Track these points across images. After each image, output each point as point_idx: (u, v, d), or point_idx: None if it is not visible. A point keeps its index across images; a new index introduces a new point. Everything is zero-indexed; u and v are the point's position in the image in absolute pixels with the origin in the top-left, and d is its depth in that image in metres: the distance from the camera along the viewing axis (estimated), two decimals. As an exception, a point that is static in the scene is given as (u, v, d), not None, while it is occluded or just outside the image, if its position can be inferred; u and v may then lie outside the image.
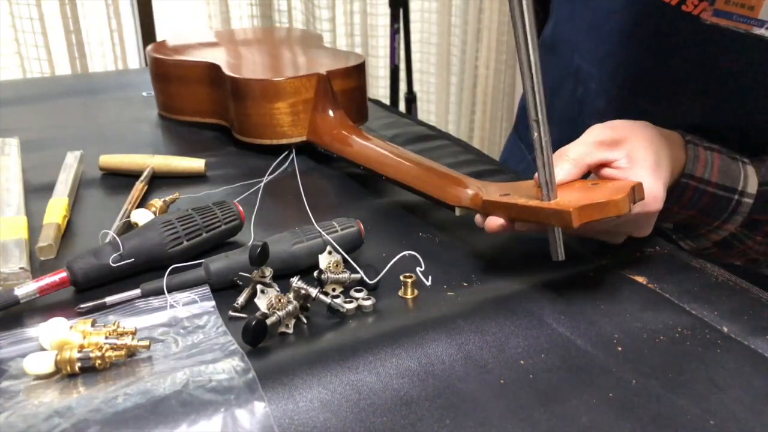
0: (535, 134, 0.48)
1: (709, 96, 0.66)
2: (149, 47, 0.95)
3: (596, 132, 0.55)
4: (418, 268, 0.51)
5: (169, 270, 0.51)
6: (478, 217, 0.56)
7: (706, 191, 0.61)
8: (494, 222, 0.53)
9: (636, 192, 0.49)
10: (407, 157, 0.69)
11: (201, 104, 0.89)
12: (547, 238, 0.50)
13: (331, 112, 0.80)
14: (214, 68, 0.85)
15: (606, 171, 0.54)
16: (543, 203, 0.49)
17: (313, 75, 0.79)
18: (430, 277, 0.52)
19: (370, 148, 0.73)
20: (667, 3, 0.63)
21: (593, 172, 0.56)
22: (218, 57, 0.89)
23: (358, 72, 0.84)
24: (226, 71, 0.82)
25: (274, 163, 0.76)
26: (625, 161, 0.53)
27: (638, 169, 0.53)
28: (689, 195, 0.62)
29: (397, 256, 0.52)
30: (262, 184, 0.71)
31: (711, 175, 0.61)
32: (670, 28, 0.65)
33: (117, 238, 0.53)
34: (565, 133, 0.77)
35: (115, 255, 0.52)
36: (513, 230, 0.53)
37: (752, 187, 0.62)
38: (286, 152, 0.79)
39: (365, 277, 0.51)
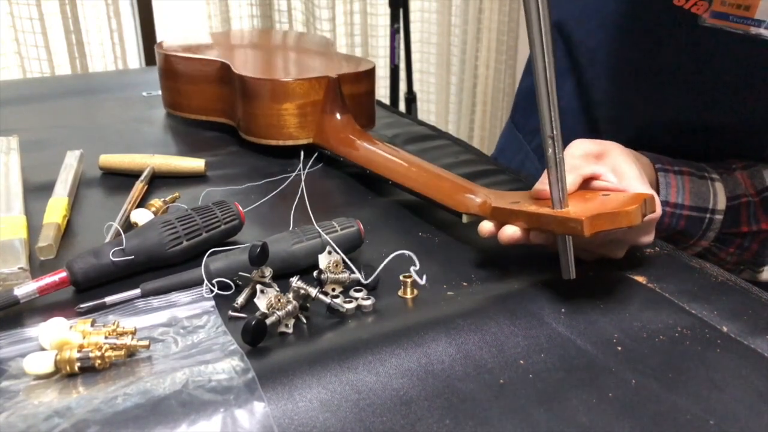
0: (550, 151, 0.48)
1: (700, 93, 0.66)
2: (158, 44, 0.95)
3: (581, 145, 0.55)
4: (412, 267, 0.51)
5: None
6: (483, 226, 0.54)
7: (682, 215, 0.63)
8: (509, 232, 0.51)
9: (647, 204, 0.48)
10: (414, 163, 0.69)
11: (208, 102, 0.89)
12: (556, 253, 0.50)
13: (338, 116, 0.80)
14: (224, 67, 0.85)
15: (596, 183, 0.53)
16: (554, 211, 0.48)
17: (323, 77, 0.79)
18: (424, 276, 0.51)
19: (377, 153, 0.73)
20: None
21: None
22: (228, 56, 0.90)
23: (368, 77, 0.84)
24: (236, 70, 0.82)
25: (297, 168, 0.76)
26: (612, 175, 0.53)
27: (629, 180, 0.53)
28: (667, 221, 0.63)
29: (392, 255, 0.51)
30: (263, 184, 0.71)
31: (684, 198, 0.63)
32: (660, 22, 0.65)
33: (121, 231, 0.53)
34: (569, 124, 0.77)
35: (116, 249, 0.52)
36: (527, 242, 0.51)
37: (721, 203, 0.64)
38: (304, 157, 0.78)
39: (362, 278, 0.51)
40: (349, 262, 0.52)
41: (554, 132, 0.47)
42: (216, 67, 0.86)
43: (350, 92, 0.81)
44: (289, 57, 0.95)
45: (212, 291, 0.50)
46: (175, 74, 0.91)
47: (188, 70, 0.89)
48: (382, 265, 0.50)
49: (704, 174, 0.65)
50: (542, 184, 0.52)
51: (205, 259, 0.52)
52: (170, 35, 1.01)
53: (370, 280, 0.51)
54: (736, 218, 0.64)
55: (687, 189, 0.63)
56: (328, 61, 0.90)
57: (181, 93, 0.92)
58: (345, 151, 0.76)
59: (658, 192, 0.62)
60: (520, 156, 0.91)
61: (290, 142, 0.80)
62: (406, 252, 0.51)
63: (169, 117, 0.96)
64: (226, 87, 0.85)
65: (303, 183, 0.71)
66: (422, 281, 0.50)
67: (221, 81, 0.86)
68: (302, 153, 0.79)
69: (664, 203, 0.62)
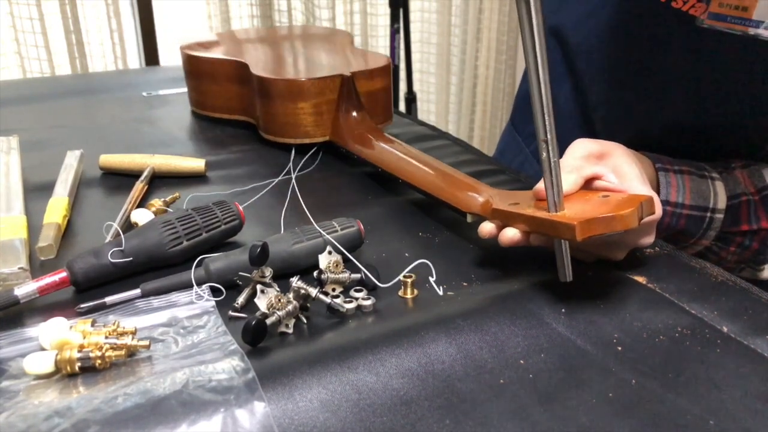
0: (544, 155, 0.48)
1: (698, 94, 0.66)
2: (182, 45, 0.96)
3: (583, 145, 0.55)
4: (430, 278, 0.51)
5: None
6: (483, 227, 0.54)
7: (682, 214, 0.63)
8: (509, 235, 0.51)
9: (645, 206, 0.48)
10: (425, 162, 0.69)
11: (230, 101, 0.90)
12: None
13: (354, 113, 0.81)
14: (243, 66, 0.86)
15: (597, 183, 0.53)
16: (549, 215, 0.49)
17: (337, 76, 0.80)
18: (442, 287, 0.52)
19: (390, 151, 0.73)
20: None
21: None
22: (247, 55, 0.90)
23: (383, 73, 0.85)
24: (253, 70, 0.83)
25: (289, 166, 0.76)
26: (613, 175, 0.53)
27: (630, 181, 0.53)
28: (667, 220, 0.63)
29: (412, 265, 0.51)
30: (263, 183, 0.71)
31: (684, 197, 0.63)
32: (657, 24, 0.65)
33: (120, 232, 0.53)
34: (567, 126, 0.77)
35: (115, 249, 0.52)
36: (528, 244, 0.52)
37: (722, 202, 0.64)
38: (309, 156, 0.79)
39: (374, 279, 0.51)
40: (358, 263, 0.52)
41: (548, 136, 0.48)
42: (235, 66, 0.87)
43: (365, 89, 0.82)
44: (304, 55, 0.96)
45: (201, 297, 0.50)
46: (198, 74, 0.92)
47: (209, 69, 0.90)
48: (401, 275, 0.51)
49: (704, 173, 0.65)
50: (543, 183, 0.52)
51: (196, 263, 0.52)
52: (192, 35, 1.02)
53: (389, 284, 0.51)
54: (736, 217, 0.64)
55: (687, 188, 0.63)
56: (343, 58, 0.90)
57: (205, 93, 0.93)
58: (359, 149, 0.77)
59: (658, 192, 0.62)
60: (520, 158, 0.91)
61: (307, 141, 0.81)
62: (426, 261, 0.51)
63: (169, 117, 0.96)
64: (246, 86, 0.86)
65: (294, 182, 0.71)
66: (441, 291, 0.51)
67: (241, 80, 0.87)
68: (293, 152, 0.79)
69: (665, 203, 0.62)
